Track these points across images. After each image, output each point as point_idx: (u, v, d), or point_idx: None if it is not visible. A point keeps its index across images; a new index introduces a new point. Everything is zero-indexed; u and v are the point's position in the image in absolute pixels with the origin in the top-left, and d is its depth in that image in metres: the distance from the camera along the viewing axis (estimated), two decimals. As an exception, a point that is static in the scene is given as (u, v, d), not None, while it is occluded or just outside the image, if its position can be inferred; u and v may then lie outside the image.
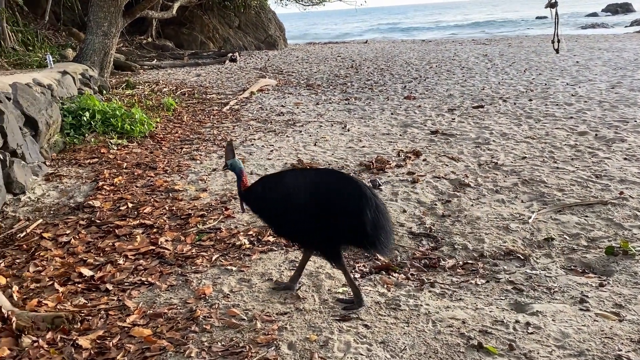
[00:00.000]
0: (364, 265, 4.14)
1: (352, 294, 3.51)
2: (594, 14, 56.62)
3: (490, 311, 3.41)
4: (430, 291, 3.74)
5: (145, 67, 18.68)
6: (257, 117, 10.40)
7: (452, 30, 51.00)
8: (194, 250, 4.44)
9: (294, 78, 16.55)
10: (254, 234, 4.69)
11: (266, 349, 3.03)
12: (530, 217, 4.99)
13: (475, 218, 5.03)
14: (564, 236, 4.60)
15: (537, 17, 56.30)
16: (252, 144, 8.16)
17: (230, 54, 21.96)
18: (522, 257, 4.25)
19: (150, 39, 24.44)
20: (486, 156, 7.13)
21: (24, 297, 3.75)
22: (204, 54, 23.14)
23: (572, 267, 4.11)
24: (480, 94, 12.08)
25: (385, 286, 3.80)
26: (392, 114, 10.39)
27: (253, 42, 28.67)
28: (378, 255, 3.59)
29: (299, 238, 3.57)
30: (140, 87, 13.58)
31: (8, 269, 4.19)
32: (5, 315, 3.33)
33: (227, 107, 11.49)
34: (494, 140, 7.94)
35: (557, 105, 10.40)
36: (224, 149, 7.83)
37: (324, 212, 3.26)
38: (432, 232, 4.77)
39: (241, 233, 4.73)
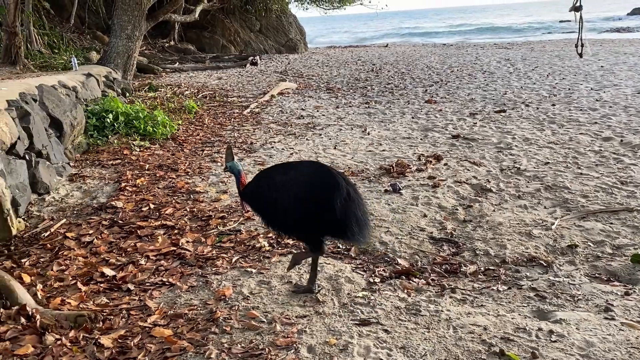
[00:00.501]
0: (384, 270, 4.12)
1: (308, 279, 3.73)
2: (619, 18, 55.77)
3: (512, 318, 3.36)
4: (451, 297, 3.70)
5: (168, 70, 18.87)
6: (277, 120, 10.43)
7: (473, 34, 50.63)
8: (214, 252, 4.47)
9: (314, 81, 16.58)
10: (273, 237, 4.70)
11: (286, 352, 3.03)
12: (553, 224, 4.92)
13: (497, 223, 4.97)
14: (588, 243, 4.53)
15: (560, 21, 55.64)
16: (272, 147, 8.18)
17: (251, 58, 22.09)
18: (545, 264, 4.19)
19: (172, 43, 24.71)
20: (508, 161, 7.06)
21: (48, 295, 3.81)
22: (225, 58, 23.32)
23: (597, 274, 4.04)
24: (503, 99, 11.96)
25: (405, 291, 3.77)
26: (412, 117, 10.35)
27: (274, 46, 28.81)
28: (352, 244, 3.66)
29: (286, 231, 3.69)
30: (163, 89, 13.72)
31: (32, 267, 4.26)
32: (30, 313, 3.38)
33: (248, 110, 11.55)
34: (516, 145, 7.86)
35: (581, 110, 10.25)
36: (239, 152, 7.88)
37: (301, 204, 3.42)
38: (453, 237, 4.73)
39: (261, 235, 4.74)
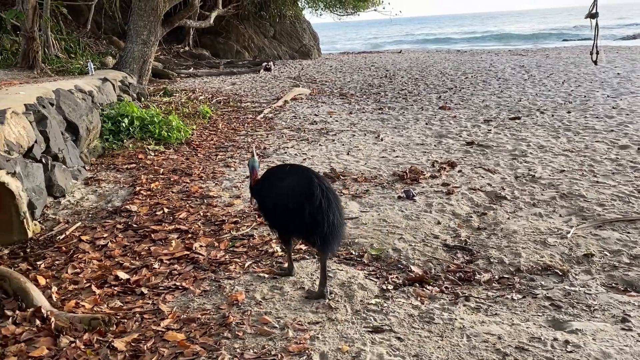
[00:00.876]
0: (397, 277, 4.10)
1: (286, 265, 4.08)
2: (636, 24, 55.22)
3: (527, 327, 3.32)
4: (465, 305, 3.67)
5: (182, 75, 19.02)
6: (290, 126, 10.46)
7: (487, 41, 50.41)
8: (227, 256, 4.48)
9: (327, 87, 16.60)
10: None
11: (298, 358, 3.02)
12: (568, 232, 4.86)
13: (511, 231, 4.93)
14: (605, 252, 4.47)
15: (573, 27, 55.23)
16: (285, 152, 8.20)
17: (265, 63, 22.19)
18: (560, 273, 4.14)
19: (187, 48, 24.91)
20: (523, 169, 7.00)
21: (63, 298, 3.83)
22: (239, 63, 23.45)
23: (613, 284, 3.98)
24: (517, 105, 11.89)
25: (418, 299, 3.75)
26: (426, 124, 10.32)
27: (287, 52, 28.91)
28: (319, 251, 3.73)
29: (271, 227, 4.00)
30: (177, 94, 13.82)
31: (48, 270, 4.29)
32: (45, 315, 3.41)
33: (261, 115, 11.59)
34: (531, 153, 7.79)
35: (597, 117, 10.15)
36: (261, 150, 7.92)
37: (281, 208, 3.72)
38: (467, 245, 4.69)
39: (274, 240, 4.75)
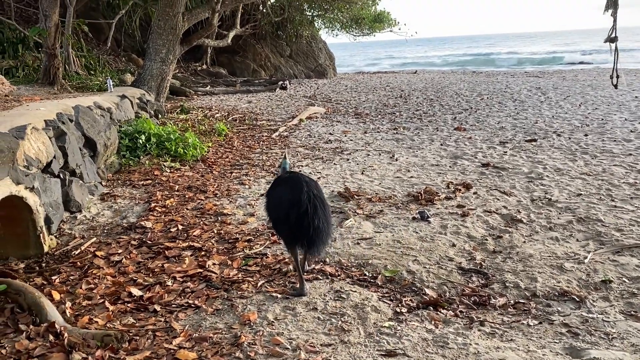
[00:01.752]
0: (411, 300, 4.06)
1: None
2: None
3: (543, 354, 3.26)
4: (479, 330, 3.62)
5: (199, 93, 19.23)
6: (305, 144, 10.49)
7: (502, 62, 50.32)
8: (240, 275, 4.47)
9: (342, 106, 16.67)
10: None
11: (310, 381, 2.98)
12: (586, 257, 4.79)
13: (527, 255, 4.87)
14: (623, 279, 4.39)
15: (581, 52, 55.01)
16: (300, 171, 8.21)
17: (281, 82, 22.38)
18: (578, 299, 4.07)
19: (205, 66, 25.23)
20: (539, 191, 6.94)
21: (76, 313, 3.85)
22: (255, 82, 23.67)
23: (632, 312, 3.90)
24: (533, 128, 11.83)
25: (432, 322, 3.70)
26: (441, 144, 10.29)
27: (303, 71, 29.15)
28: (306, 252, 4.11)
29: (277, 234, 4.42)
30: (194, 112, 13.97)
31: (62, 285, 4.32)
32: (58, 330, 3.42)
33: (277, 133, 11.66)
34: (547, 176, 7.73)
35: (614, 141, 10.06)
36: (272, 174, 7.94)
37: (274, 212, 4.12)
38: (482, 269, 4.64)
39: (287, 259, 4.73)
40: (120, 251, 5.02)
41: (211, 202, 6.51)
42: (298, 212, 3.87)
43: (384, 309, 3.85)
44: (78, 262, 4.75)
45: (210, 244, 5.17)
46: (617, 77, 9.59)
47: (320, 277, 4.41)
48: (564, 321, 3.73)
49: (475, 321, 3.75)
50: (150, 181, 7.51)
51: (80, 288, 4.24)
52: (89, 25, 17.80)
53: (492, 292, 4.23)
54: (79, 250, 5.00)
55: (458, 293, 4.22)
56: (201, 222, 5.80)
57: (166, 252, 4.97)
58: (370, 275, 4.47)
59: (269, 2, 26.43)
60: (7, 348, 3.33)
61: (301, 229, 3.87)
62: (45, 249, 4.96)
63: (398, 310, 3.86)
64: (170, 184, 7.38)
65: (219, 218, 5.96)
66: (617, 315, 3.83)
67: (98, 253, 4.94)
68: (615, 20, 9.30)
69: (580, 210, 6.09)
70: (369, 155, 9.45)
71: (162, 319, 3.75)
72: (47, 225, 5.18)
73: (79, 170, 6.46)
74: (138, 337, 3.49)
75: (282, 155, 4.64)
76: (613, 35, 9.16)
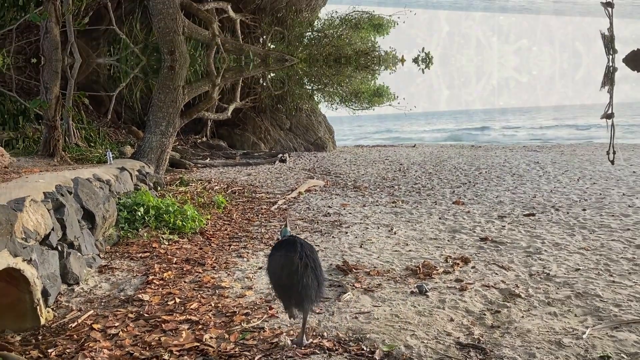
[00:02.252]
0: (409, 376, 4.01)
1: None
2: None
3: None
4: (479, 408, 3.56)
5: (199, 165, 19.51)
6: (304, 217, 10.58)
7: (500, 136, 51.34)
8: (237, 349, 4.43)
9: (341, 179, 16.90)
10: (297, 335, 4.65)
11: None
12: (584, 333, 4.76)
13: (525, 330, 4.84)
14: (622, 355, 4.35)
15: (578, 126, 56.24)
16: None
17: (280, 155, 22.76)
18: (578, 376, 4.02)
19: (204, 139, 25.70)
20: (537, 266, 6.96)
21: (70, 388, 3.79)
22: (255, 154, 24.07)
23: (634, 390, 3.85)
24: (532, 202, 11.96)
25: (431, 399, 3.65)
26: (440, 218, 10.38)
27: (302, 144, 29.70)
28: (296, 308, 4.39)
29: (277, 296, 4.76)
30: (193, 184, 14.14)
31: (59, 358, 4.28)
32: (51, 406, 3.36)
33: (276, 206, 11.77)
34: (545, 250, 7.77)
35: (612, 216, 10.15)
36: (265, 247, 7.97)
37: (271, 274, 4.51)
38: (480, 343, 4.60)
39: (284, 333, 4.70)
40: (117, 324, 4.99)
41: (209, 275, 6.52)
42: (289, 270, 4.18)
43: (382, 385, 3.80)
44: (75, 335, 4.72)
45: (208, 317, 5.15)
46: (614, 152, 9.84)
47: (318, 352, 4.37)
48: (564, 399, 3.67)
49: (474, 399, 3.69)
50: (148, 254, 7.53)
51: (75, 362, 4.19)
52: (90, 97, 18.21)
53: (491, 368, 4.18)
54: (75, 323, 4.97)
55: (457, 369, 4.17)
56: (199, 295, 5.79)
57: (163, 325, 4.94)
58: (368, 349, 4.43)
59: (268, 76, 27.37)
60: None
61: (292, 286, 4.16)
62: (42, 321, 4.93)
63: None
64: (169, 256, 7.41)
65: (217, 291, 5.95)
66: (618, 394, 3.77)
67: (95, 326, 4.91)
68: (611, 97, 9.67)
69: (578, 285, 6.10)
70: (367, 228, 9.53)
71: (157, 395, 3.70)
72: (44, 298, 5.18)
73: (77, 242, 6.51)
74: (131, 414, 3.43)
75: (283, 223, 5.10)
76: (610, 111, 9.50)
